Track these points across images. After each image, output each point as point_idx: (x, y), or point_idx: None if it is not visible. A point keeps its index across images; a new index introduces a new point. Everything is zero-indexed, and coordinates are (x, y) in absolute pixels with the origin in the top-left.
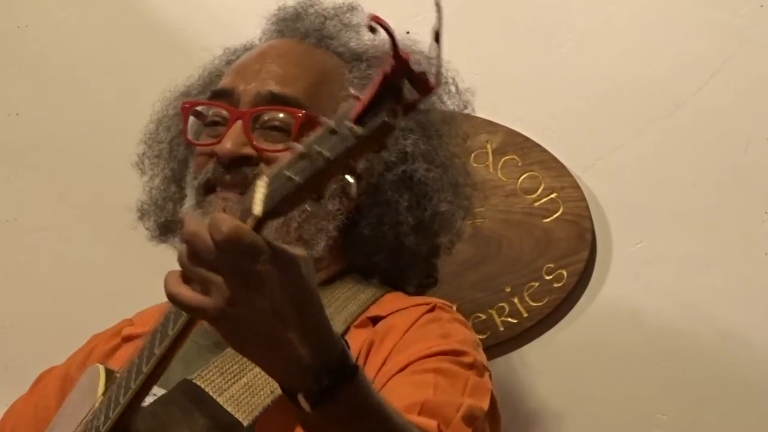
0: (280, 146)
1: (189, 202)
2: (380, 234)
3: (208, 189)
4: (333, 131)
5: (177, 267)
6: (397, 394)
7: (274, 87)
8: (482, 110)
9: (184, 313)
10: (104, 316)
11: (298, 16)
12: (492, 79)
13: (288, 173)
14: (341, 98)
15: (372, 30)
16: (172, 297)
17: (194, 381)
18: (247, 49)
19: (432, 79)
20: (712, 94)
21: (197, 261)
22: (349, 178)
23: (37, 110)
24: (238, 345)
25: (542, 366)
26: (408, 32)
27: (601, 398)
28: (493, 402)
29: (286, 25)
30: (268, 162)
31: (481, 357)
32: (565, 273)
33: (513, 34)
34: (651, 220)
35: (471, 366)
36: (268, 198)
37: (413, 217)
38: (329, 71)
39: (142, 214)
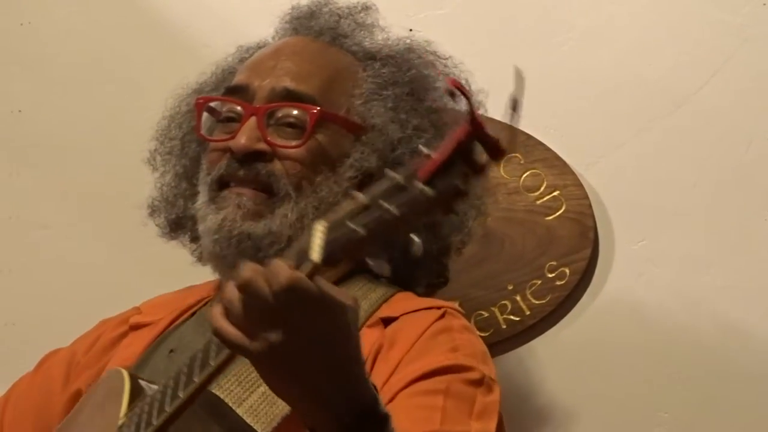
0: (293, 142)
1: (202, 198)
2: None
3: (221, 185)
4: (401, 187)
5: (181, 267)
6: (405, 418)
7: (288, 83)
8: (482, 109)
9: None
10: (106, 314)
11: (313, 15)
12: (494, 77)
13: (351, 224)
14: (355, 96)
15: (451, 94)
16: (217, 332)
17: (213, 391)
18: (260, 47)
19: (504, 145)
20: (713, 92)
21: (248, 307)
22: (414, 237)
23: (39, 108)
24: (274, 386)
25: (544, 364)
26: (411, 30)
27: (603, 396)
28: (499, 421)
29: (300, 23)
30: (282, 158)
31: (489, 370)
32: (567, 271)
33: (514, 32)
34: (653, 218)
35: (479, 383)
36: (328, 246)
37: None
38: (343, 69)
39: (153, 211)
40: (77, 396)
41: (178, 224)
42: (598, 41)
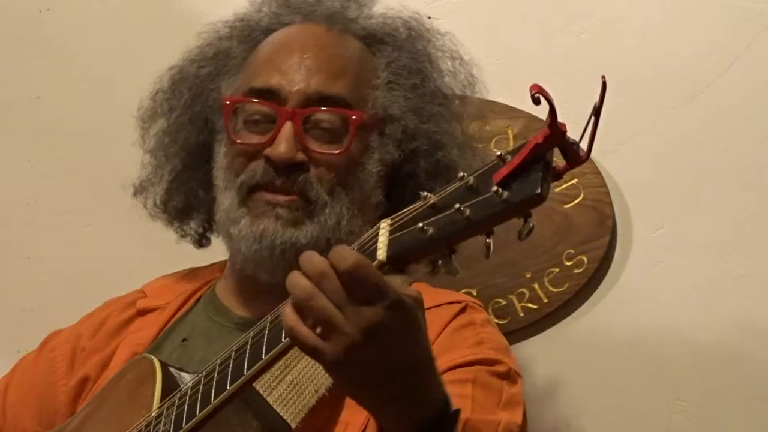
0: (333, 149)
1: (230, 199)
2: None
3: (252, 189)
4: (473, 188)
5: (200, 253)
6: None
7: (320, 86)
8: (503, 96)
9: (282, 340)
10: None
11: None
12: (513, 64)
13: (420, 224)
14: (376, 87)
15: (536, 101)
16: (290, 333)
17: None
18: (252, 26)
19: (583, 152)
20: (733, 80)
21: (318, 298)
22: (488, 240)
23: (58, 94)
24: (349, 390)
25: (562, 351)
26: (429, 17)
27: (620, 384)
28: (524, 412)
29: (306, 7)
30: (318, 164)
31: (513, 362)
32: (585, 259)
33: (534, 19)
34: (671, 206)
35: (506, 376)
36: (395, 244)
37: None
38: (362, 61)
39: (140, 191)
40: (84, 382)
41: (185, 212)
42: (616, 29)
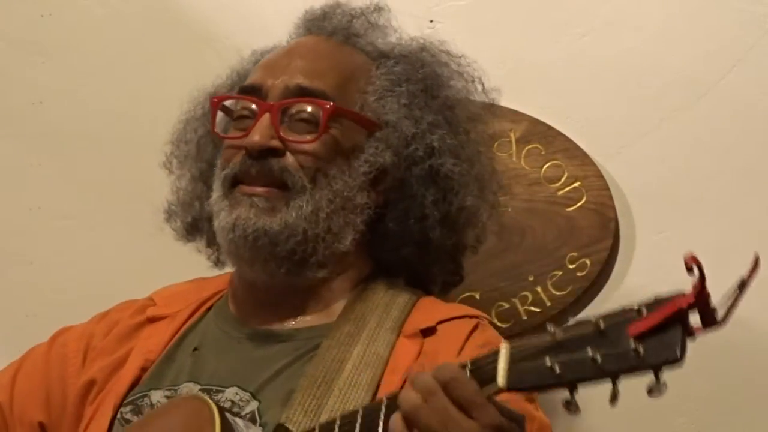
0: (307, 137)
1: (216, 192)
2: (406, 228)
3: (234, 182)
4: (605, 335)
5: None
6: None
7: (302, 80)
8: (505, 99)
9: None
10: None
11: (326, 16)
12: (515, 67)
13: (547, 360)
14: (368, 93)
15: (689, 270)
16: None
17: (287, 426)
18: (274, 49)
19: (720, 317)
20: (735, 82)
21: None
22: (615, 388)
23: (60, 99)
24: None
25: None
26: (431, 21)
27: (624, 387)
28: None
29: (314, 24)
30: (295, 153)
31: None
32: (588, 262)
33: (536, 22)
34: (674, 208)
35: (531, 399)
36: (516, 373)
37: (439, 210)
38: (356, 67)
39: (170, 216)
40: (90, 385)
41: (194, 227)
42: (619, 31)
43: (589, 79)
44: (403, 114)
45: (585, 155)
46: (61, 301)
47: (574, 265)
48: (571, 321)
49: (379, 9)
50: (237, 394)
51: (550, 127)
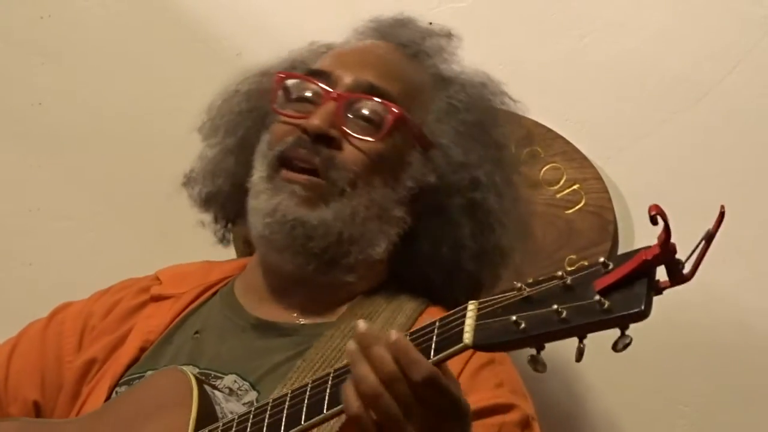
0: (367, 137)
1: (259, 172)
2: (439, 252)
3: (282, 161)
4: (571, 289)
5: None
6: None
7: (373, 79)
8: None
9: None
10: None
11: (402, 24)
12: (515, 69)
13: (513, 316)
14: (429, 112)
15: (654, 221)
16: (356, 420)
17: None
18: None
19: (689, 274)
20: (735, 84)
21: (385, 398)
22: (581, 345)
23: (60, 100)
24: None
25: (564, 356)
26: (431, 23)
27: (624, 389)
28: None
29: (388, 30)
30: (350, 148)
31: (530, 406)
32: (587, 264)
33: (536, 24)
34: (673, 211)
35: (524, 425)
36: (482, 330)
37: (476, 243)
38: (422, 84)
39: (189, 181)
40: (91, 364)
41: (212, 198)
42: (618, 33)
43: (588, 81)
44: (456, 141)
45: (584, 158)
46: (60, 302)
47: (572, 268)
48: (540, 276)
49: (449, 35)
50: (236, 382)
51: (548, 130)
